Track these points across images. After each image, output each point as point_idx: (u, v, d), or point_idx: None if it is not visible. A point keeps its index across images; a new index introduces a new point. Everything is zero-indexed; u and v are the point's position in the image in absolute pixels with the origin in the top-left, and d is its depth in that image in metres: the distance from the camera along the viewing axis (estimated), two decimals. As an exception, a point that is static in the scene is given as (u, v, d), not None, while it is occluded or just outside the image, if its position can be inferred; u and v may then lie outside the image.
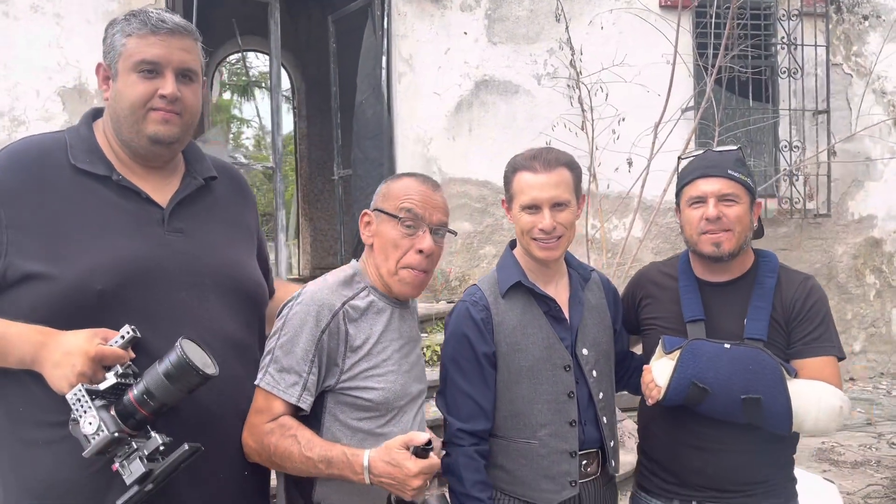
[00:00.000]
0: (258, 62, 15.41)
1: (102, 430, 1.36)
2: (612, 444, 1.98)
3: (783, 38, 6.69)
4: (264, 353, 1.71)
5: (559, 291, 1.98)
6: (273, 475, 1.79)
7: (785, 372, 1.82)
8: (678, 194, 2.02)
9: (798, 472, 4.31)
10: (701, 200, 1.93)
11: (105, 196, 1.62)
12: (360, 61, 5.95)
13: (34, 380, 1.48)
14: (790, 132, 6.73)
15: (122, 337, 1.45)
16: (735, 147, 2.06)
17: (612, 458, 1.98)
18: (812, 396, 1.83)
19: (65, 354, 1.42)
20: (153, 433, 1.42)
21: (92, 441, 1.36)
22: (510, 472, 1.91)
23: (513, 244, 2.02)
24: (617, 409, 2.05)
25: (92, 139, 1.67)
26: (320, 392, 1.70)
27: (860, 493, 4.36)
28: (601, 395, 1.96)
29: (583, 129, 6.00)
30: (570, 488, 1.90)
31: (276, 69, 5.94)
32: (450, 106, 5.94)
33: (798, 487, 3.87)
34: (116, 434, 1.36)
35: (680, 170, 2.07)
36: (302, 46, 9.49)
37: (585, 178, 5.97)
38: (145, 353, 1.48)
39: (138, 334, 1.46)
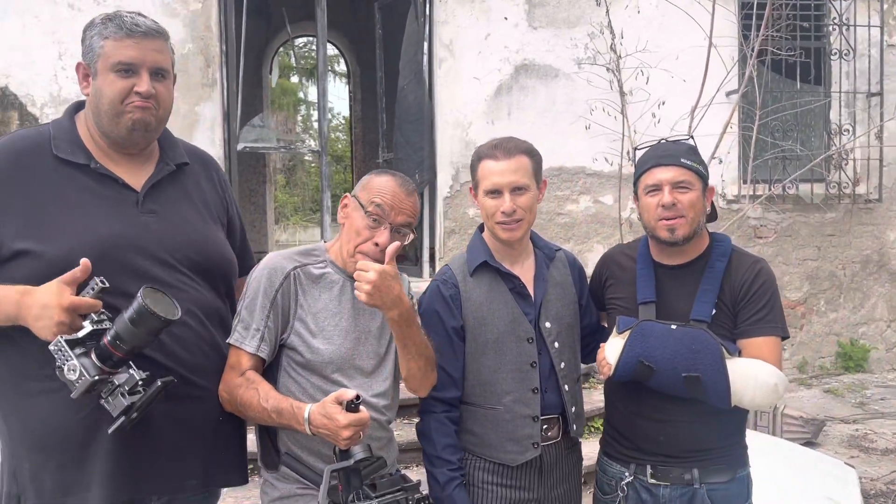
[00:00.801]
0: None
1: (84, 376, 1.57)
2: (573, 409, 2.12)
3: (835, 18, 6.54)
4: (234, 315, 1.95)
5: (525, 270, 2.13)
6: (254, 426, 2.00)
7: (726, 351, 1.93)
8: (635, 183, 2.14)
9: (818, 455, 4.34)
10: (657, 188, 2.04)
11: (84, 182, 1.83)
12: (403, 47, 6.12)
13: (30, 339, 1.69)
14: (840, 115, 6.59)
15: (93, 288, 1.64)
16: (687, 136, 2.19)
17: (574, 423, 2.13)
18: (749, 375, 1.93)
19: (42, 307, 1.62)
20: (132, 370, 1.63)
21: (77, 385, 1.58)
22: (478, 435, 2.08)
23: (482, 228, 2.17)
24: None
25: (74, 131, 1.87)
26: (279, 347, 1.93)
27: (884, 480, 4.35)
28: (563, 364, 2.11)
29: (622, 113, 6.04)
30: (532, 450, 2.06)
31: (323, 56, 6.17)
32: (489, 90, 6.06)
33: (817, 470, 3.89)
34: (96, 377, 1.58)
35: (636, 159, 2.18)
36: (358, 31, 9.73)
37: (626, 161, 6.03)
38: None
39: (107, 284, 1.65)
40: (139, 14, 1.89)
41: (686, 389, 1.95)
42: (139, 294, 1.62)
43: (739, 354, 1.98)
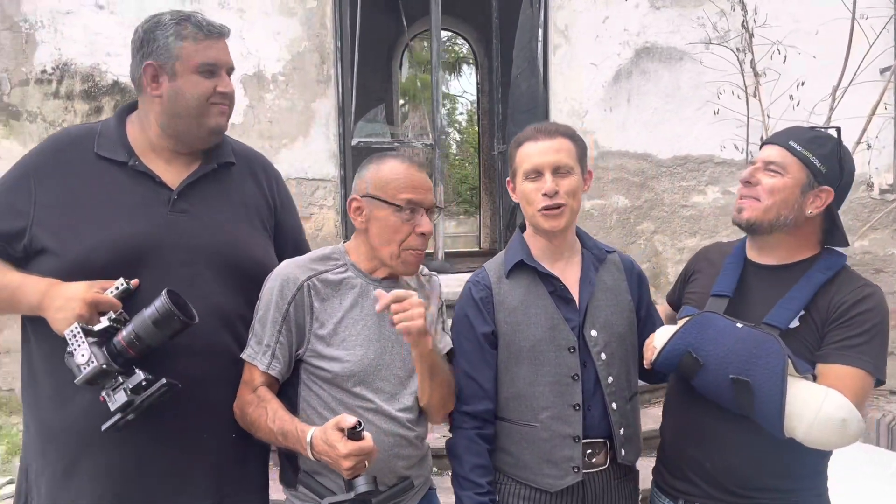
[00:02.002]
0: (461, 39, 15.78)
1: (92, 361, 1.57)
2: (621, 431, 1.89)
3: None
4: (250, 327, 1.86)
5: (569, 271, 1.93)
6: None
7: (792, 366, 1.63)
8: None
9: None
10: (754, 164, 1.83)
11: (120, 180, 1.82)
12: (517, 35, 5.95)
13: (41, 346, 1.75)
14: None
15: (117, 288, 1.67)
16: (833, 127, 1.84)
17: (623, 448, 1.90)
18: (813, 400, 1.62)
19: (66, 300, 1.65)
20: (137, 370, 1.62)
21: (83, 370, 1.58)
22: (514, 455, 1.90)
23: (523, 227, 2.00)
24: None
25: (121, 130, 1.87)
26: (297, 361, 1.83)
27: None
28: (610, 378, 1.88)
29: (754, 97, 5.53)
30: (573, 474, 1.85)
31: (437, 48, 6.11)
32: (607, 76, 5.75)
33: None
34: (104, 366, 1.58)
35: None
36: (485, 23, 9.60)
37: (747, 146, 5.53)
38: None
39: (130, 285, 1.68)
40: (198, 12, 1.90)
41: (733, 398, 1.68)
42: (163, 296, 1.61)
43: (814, 380, 1.68)
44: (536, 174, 1.86)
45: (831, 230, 1.84)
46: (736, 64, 5.57)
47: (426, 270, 2.06)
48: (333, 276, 1.86)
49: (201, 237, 1.84)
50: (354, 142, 5.94)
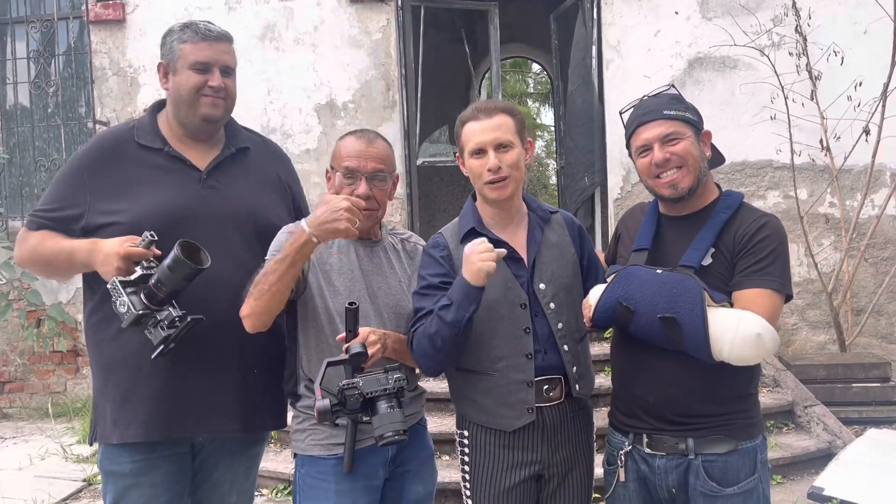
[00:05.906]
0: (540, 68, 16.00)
1: (131, 309, 1.92)
2: (574, 369, 2.09)
3: None
4: None
5: (517, 233, 2.14)
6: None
7: (709, 298, 1.82)
8: (627, 146, 2.08)
9: None
10: (647, 147, 1.99)
11: (158, 163, 2.21)
12: (572, 53, 6.17)
13: (105, 306, 2.11)
14: None
15: (144, 240, 2.00)
16: (667, 86, 2.13)
17: (577, 383, 2.10)
18: (731, 322, 1.81)
19: (105, 256, 2.01)
20: (170, 308, 1.96)
21: (125, 318, 1.94)
22: (476, 402, 2.12)
23: (475, 196, 2.20)
24: None
25: (154, 123, 2.27)
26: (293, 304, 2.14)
27: None
28: (560, 325, 2.09)
29: (812, 99, 5.51)
30: (527, 415, 2.06)
31: (497, 71, 6.41)
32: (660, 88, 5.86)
33: None
34: (140, 311, 1.92)
35: (624, 123, 2.11)
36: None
37: (817, 152, 5.49)
38: None
39: (156, 237, 2.00)
40: (209, 21, 2.27)
41: (664, 335, 1.87)
42: (175, 246, 1.95)
43: (731, 307, 1.87)
44: (481, 152, 2.05)
45: (714, 161, 2.05)
46: (791, 68, 5.58)
47: (414, 237, 2.34)
48: None
49: (228, 206, 2.21)
50: (419, 162, 6.30)
